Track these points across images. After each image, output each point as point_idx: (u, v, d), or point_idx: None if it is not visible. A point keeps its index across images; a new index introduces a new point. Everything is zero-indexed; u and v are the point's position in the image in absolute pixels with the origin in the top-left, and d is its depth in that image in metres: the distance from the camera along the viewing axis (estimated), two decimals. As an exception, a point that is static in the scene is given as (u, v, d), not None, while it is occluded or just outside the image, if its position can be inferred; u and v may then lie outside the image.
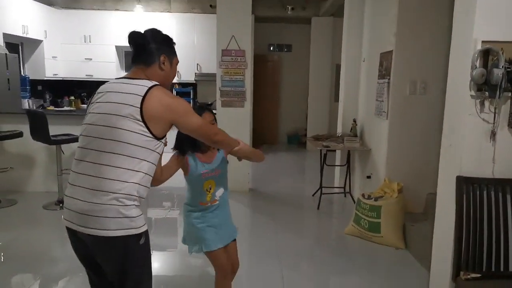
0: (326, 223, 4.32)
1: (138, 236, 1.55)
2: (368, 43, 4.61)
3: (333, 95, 8.19)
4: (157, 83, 1.62)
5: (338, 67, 7.13)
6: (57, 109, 7.12)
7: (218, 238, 2.19)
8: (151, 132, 1.54)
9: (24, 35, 6.36)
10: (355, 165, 4.87)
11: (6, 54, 5.39)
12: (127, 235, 1.51)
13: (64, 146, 4.46)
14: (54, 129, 4.32)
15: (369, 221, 3.53)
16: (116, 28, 7.55)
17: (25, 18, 6.36)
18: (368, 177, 4.28)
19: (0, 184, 4.57)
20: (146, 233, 1.60)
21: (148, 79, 1.63)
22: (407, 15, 3.61)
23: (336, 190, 5.10)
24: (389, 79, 3.75)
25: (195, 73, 7.67)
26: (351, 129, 4.72)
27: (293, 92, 9.08)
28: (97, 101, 1.66)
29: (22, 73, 6.72)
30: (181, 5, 7.69)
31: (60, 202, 4.39)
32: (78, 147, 1.65)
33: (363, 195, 3.71)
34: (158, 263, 3.27)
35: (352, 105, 5.01)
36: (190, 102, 7.86)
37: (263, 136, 8.93)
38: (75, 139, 4.36)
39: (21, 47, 6.95)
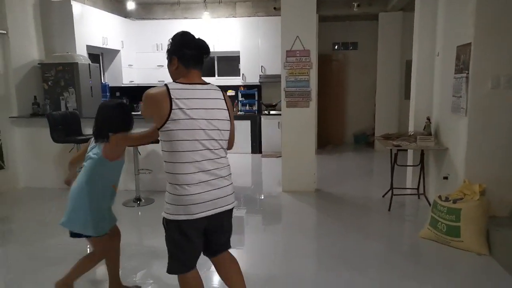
0: (398, 226, 4.12)
1: None
2: (442, 36, 4.33)
3: (403, 92, 7.81)
4: None
5: (408, 63, 6.78)
6: (133, 113, 7.63)
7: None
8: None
9: (104, 46, 6.92)
10: (430, 165, 4.59)
11: (89, 64, 5.90)
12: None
13: (140, 147, 4.77)
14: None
15: (447, 225, 3.31)
16: (185, 35, 7.88)
17: (105, 30, 6.92)
18: (445, 178, 4.00)
19: (85, 182, 4.99)
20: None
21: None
22: (487, 4, 3.33)
23: (409, 191, 4.85)
24: (467, 73, 3.48)
25: (260, 75, 7.77)
26: (425, 127, 4.46)
27: (360, 91, 8.81)
28: (192, 107, 1.88)
29: (102, 80, 7.32)
30: (246, 10, 7.86)
31: (137, 199, 4.70)
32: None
33: (439, 197, 3.48)
34: (228, 260, 3.35)
35: (425, 102, 4.74)
36: (255, 104, 7.99)
37: (329, 137, 8.79)
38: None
39: (102, 57, 7.57)
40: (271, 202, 4.97)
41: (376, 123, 8.08)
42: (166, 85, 1.88)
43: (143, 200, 4.73)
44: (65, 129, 4.77)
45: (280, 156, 5.29)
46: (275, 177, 5.91)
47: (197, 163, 1.86)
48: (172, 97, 1.82)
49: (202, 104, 1.88)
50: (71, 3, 5.97)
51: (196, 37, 2.05)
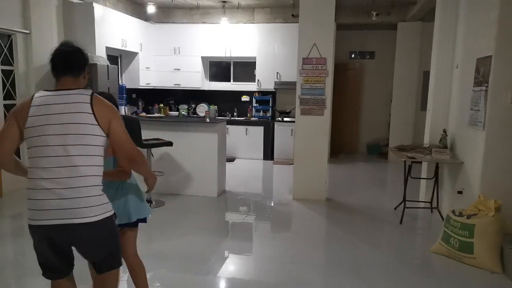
0: (409, 239, 4.05)
1: None
2: (462, 48, 4.26)
3: (419, 103, 7.72)
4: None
5: (426, 74, 6.70)
6: (148, 115, 7.74)
7: None
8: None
9: (123, 48, 7.03)
10: (444, 179, 4.50)
11: (107, 65, 6.00)
12: None
13: (154, 150, 4.81)
14: (145, 134, 4.69)
15: (460, 240, 3.23)
16: (203, 40, 7.98)
17: (124, 33, 7.04)
18: (459, 192, 3.92)
19: (98, 182, 5.05)
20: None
21: (80, 88, 1.90)
22: (509, 16, 3.27)
23: (421, 204, 4.77)
24: (487, 86, 3.42)
25: (275, 81, 7.78)
26: (440, 139, 4.39)
27: (375, 101, 8.74)
28: (41, 114, 1.82)
29: (120, 82, 7.42)
30: (264, 16, 7.89)
31: (148, 201, 4.73)
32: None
33: (453, 212, 3.41)
34: (234, 266, 3.34)
35: (442, 114, 4.66)
36: (269, 110, 7.99)
37: (342, 145, 8.72)
38: (163, 144, 4.69)
39: (120, 59, 7.69)
40: (281, 209, 4.95)
41: (390, 133, 7.99)
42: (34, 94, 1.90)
43: (154, 202, 4.76)
44: (81, 129, 4.85)
45: (292, 164, 5.27)
46: (286, 185, 5.88)
47: (43, 170, 1.78)
48: (31, 104, 1.82)
49: (52, 109, 1.80)
50: (93, 5, 6.09)
51: (67, 44, 2.00)
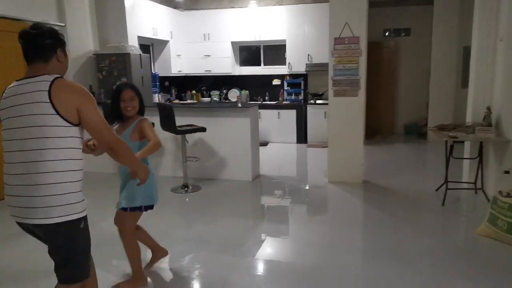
0: (452, 222, 3.90)
1: None
2: (507, 19, 3.98)
3: (459, 80, 7.35)
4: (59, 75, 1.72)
5: (466, 50, 6.36)
6: (181, 102, 7.84)
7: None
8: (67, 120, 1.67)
9: (154, 37, 7.11)
10: (489, 158, 4.29)
11: (140, 54, 6.09)
12: None
13: (188, 136, 4.87)
14: (179, 121, 4.74)
15: (509, 222, 3.08)
16: (232, 25, 7.93)
17: (155, 22, 7.10)
18: (507, 172, 3.72)
19: (136, 169, 5.19)
20: None
21: (49, 74, 1.70)
22: None
23: (465, 185, 4.57)
24: (536, 57, 3.18)
25: (306, 64, 7.63)
26: (484, 117, 4.16)
27: (412, 79, 8.41)
28: (6, 106, 1.73)
29: (152, 70, 7.54)
30: (293, -3, 7.71)
31: (185, 186, 4.83)
32: None
33: (500, 192, 3.24)
34: (272, 249, 3.35)
35: (485, 91, 4.41)
36: (301, 93, 7.88)
37: (378, 127, 8.49)
38: (197, 129, 4.73)
39: (152, 48, 7.79)
40: (316, 192, 4.91)
41: (429, 113, 7.69)
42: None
43: (190, 187, 4.84)
44: (118, 117, 4.97)
45: (326, 146, 5.19)
46: (320, 168, 5.81)
47: (9, 165, 1.71)
48: (2, 98, 1.76)
49: (16, 100, 1.68)
50: (124, -4, 6.17)
51: (34, 26, 1.78)
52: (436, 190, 4.54)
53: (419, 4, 7.87)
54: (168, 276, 2.89)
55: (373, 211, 4.18)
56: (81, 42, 5.87)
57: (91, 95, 1.79)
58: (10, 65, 4.75)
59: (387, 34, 8.52)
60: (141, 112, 2.67)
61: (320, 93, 7.62)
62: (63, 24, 5.49)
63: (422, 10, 7.95)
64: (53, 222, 1.65)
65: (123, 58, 5.81)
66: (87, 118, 1.72)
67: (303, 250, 3.27)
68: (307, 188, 5.09)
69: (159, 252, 2.97)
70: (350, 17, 4.68)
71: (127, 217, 2.59)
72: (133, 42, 6.33)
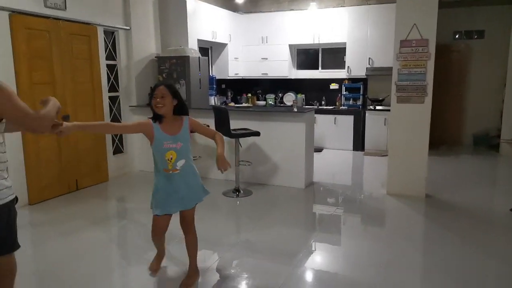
0: (529, 247, 3.47)
1: None
2: None
3: (542, 88, 6.62)
4: None
5: (552, 53, 5.70)
6: (236, 105, 7.86)
7: (162, 205, 2.64)
8: None
9: (213, 40, 7.21)
10: None
11: (199, 57, 6.19)
12: None
13: (241, 140, 4.83)
14: (234, 124, 4.72)
15: None
16: (290, 28, 7.83)
17: (214, 25, 7.19)
18: None
19: (190, 170, 5.26)
20: None
21: None
22: None
23: (545, 207, 4.06)
24: None
25: (367, 68, 7.31)
26: None
27: (484, 86, 7.73)
28: None
29: (210, 73, 7.65)
30: (355, -2, 7.44)
31: (236, 190, 4.79)
32: None
33: None
34: (323, 261, 3.18)
35: None
36: (359, 98, 7.57)
37: (443, 136, 7.91)
38: (251, 134, 4.67)
39: (211, 51, 7.91)
40: (372, 204, 4.63)
41: (503, 123, 7.00)
42: None
43: (242, 192, 4.80)
44: (174, 119, 5.06)
45: (385, 155, 4.90)
46: (378, 178, 5.50)
47: None
48: None
49: None
50: (186, 0, 6.31)
51: None
52: (511, 210, 4.08)
53: (495, 4, 7.22)
54: (215, 283, 2.83)
55: (436, 228, 3.84)
56: (145, 45, 6.08)
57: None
58: (81, 65, 5.03)
59: (457, 36, 7.92)
60: (181, 113, 2.64)
61: (381, 98, 7.26)
62: (128, 28, 5.72)
63: (498, 11, 7.29)
64: None
65: (182, 60, 5.93)
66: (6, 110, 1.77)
67: (357, 264, 3.07)
68: (363, 198, 4.83)
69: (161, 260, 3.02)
70: (418, 18, 4.37)
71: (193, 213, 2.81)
72: (193, 45, 6.45)
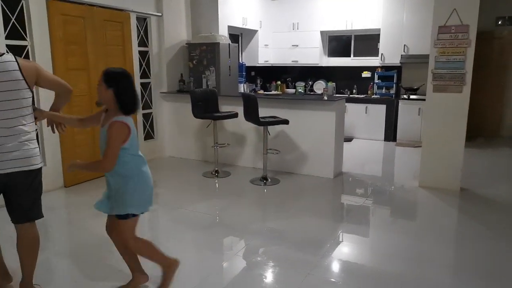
0: None
1: None
2: None
3: None
4: None
5: None
6: (265, 93, 7.81)
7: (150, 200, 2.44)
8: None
9: (244, 27, 7.15)
10: None
11: (229, 44, 6.16)
12: None
13: (270, 128, 4.80)
14: (262, 112, 4.69)
15: None
16: (323, 14, 7.65)
17: (245, 11, 7.13)
18: None
19: (219, 157, 5.30)
20: None
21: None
22: None
23: None
24: None
25: (401, 55, 7.05)
26: None
27: (528, 75, 7.30)
28: None
29: (240, 60, 7.62)
30: (391, -18, 7.14)
31: (264, 178, 4.78)
32: None
33: None
34: (351, 252, 3.13)
35: None
36: (393, 87, 7.35)
37: (481, 127, 7.55)
38: (280, 122, 4.63)
39: (241, 37, 7.87)
40: (404, 196, 4.51)
41: (548, 115, 6.61)
42: None
43: (269, 180, 4.79)
44: (204, 106, 5.09)
45: (418, 146, 4.74)
46: (410, 169, 5.34)
47: None
48: None
49: None
50: (217, -15, 6.27)
51: None
52: (554, 207, 3.86)
53: (545, -13, 6.75)
54: (241, 270, 2.85)
55: (470, 223, 3.69)
56: (176, 32, 6.11)
57: None
58: (114, 52, 5.12)
59: (499, 22, 7.48)
60: (124, 110, 2.17)
61: (415, 87, 7.00)
62: (160, 14, 5.76)
63: (549, -6, 6.81)
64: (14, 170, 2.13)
65: (213, 47, 5.93)
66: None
67: (385, 257, 3.00)
68: (394, 190, 4.71)
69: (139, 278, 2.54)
70: (459, 2, 4.15)
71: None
72: (223, 32, 6.42)
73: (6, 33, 3.95)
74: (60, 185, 4.55)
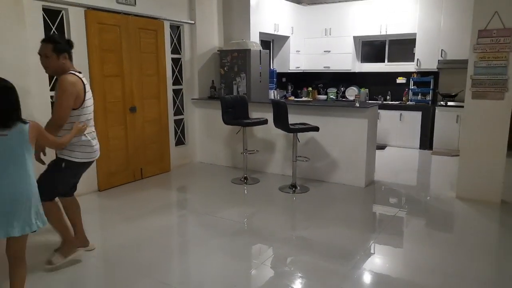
0: None
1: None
2: None
3: None
4: None
5: None
6: (296, 99, 7.74)
7: None
8: None
9: (275, 33, 7.14)
10: None
11: (260, 50, 6.16)
12: None
13: (300, 135, 4.74)
14: (292, 118, 4.64)
15: None
16: (356, 19, 7.53)
17: (277, 17, 7.12)
18: None
19: (248, 163, 5.29)
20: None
21: None
22: None
23: None
24: None
25: (438, 60, 6.80)
26: None
27: None
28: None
29: (271, 66, 7.61)
30: (428, -15, 6.93)
31: (293, 186, 4.72)
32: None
33: None
34: (383, 265, 3.01)
35: None
36: (429, 93, 7.11)
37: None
38: (310, 129, 4.57)
39: (272, 44, 7.86)
40: (440, 207, 4.31)
41: None
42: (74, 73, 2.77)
43: (298, 188, 4.72)
44: (234, 112, 5.11)
45: (456, 155, 4.53)
46: (446, 179, 5.12)
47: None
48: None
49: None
50: (249, -8, 6.31)
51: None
52: None
53: None
54: (268, 279, 2.81)
55: (511, 239, 3.47)
56: (208, 39, 6.19)
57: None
58: (148, 59, 5.24)
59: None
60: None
61: (453, 94, 6.73)
62: (193, 22, 5.85)
63: None
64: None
65: (244, 54, 5.95)
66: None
67: (420, 271, 2.86)
68: (429, 201, 4.52)
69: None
70: (501, 5, 3.95)
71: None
72: (254, 38, 6.44)
73: (47, 42, 4.13)
74: (94, 189, 4.69)
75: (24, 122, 2.13)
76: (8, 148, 2.07)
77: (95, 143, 2.88)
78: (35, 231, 2.18)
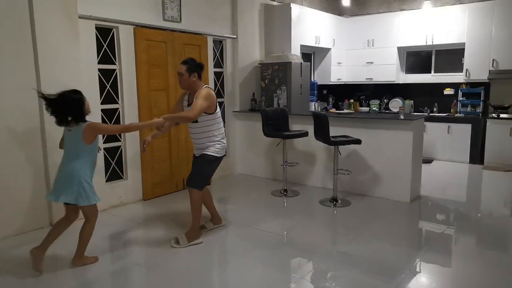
0: None
1: None
2: None
3: None
4: None
5: None
6: (337, 111, 7.65)
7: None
8: None
9: (316, 45, 7.14)
10: None
11: (301, 63, 6.17)
12: None
13: (341, 147, 4.67)
14: (334, 131, 4.58)
15: None
16: (400, 29, 7.36)
17: (318, 30, 7.12)
18: None
19: (288, 176, 5.27)
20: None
21: None
22: None
23: None
24: None
25: (489, 71, 6.48)
26: None
27: None
28: None
29: (311, 79, 7.58)
30: (477, -7, 6.67)
31: (334, 199, 4.64)
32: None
33: None
34: (429, 284, 2.86)
35: None
36: (479, 105, 6.78)
37: None
38: (351, 141, 4.48)
39: (313, 56, 7.85)
40: (491, 225, 4.05)
41: None
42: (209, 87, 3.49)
43: (339, 201, 4.63)
44: (275, 124, 5.12)
45: (510, 170, 4.25)
46: (499, 196, 4.82)
47: None
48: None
49: None
50: (291, 6, 6.36)
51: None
52: None
53: None
54: (308, 293, 2.76)
55: None
56: (249, 52, 6.30)
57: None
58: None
59: None
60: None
61: (506, 105, 6.37)
62: (235, 37, 5.99)
63: None
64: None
65: (284, 66, 5.98)
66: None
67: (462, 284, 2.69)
68: (480, 218, 4.26)
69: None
70: (558, 11, 3.71)
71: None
72: (295, 51, 6.47)
73: (99, 58, 4.39)
74: (139, 198, 4.86)
75: (85, 122, 2.91)
76: (71, 140, 2.92)
77: (225, 141, 3.60)
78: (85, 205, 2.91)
